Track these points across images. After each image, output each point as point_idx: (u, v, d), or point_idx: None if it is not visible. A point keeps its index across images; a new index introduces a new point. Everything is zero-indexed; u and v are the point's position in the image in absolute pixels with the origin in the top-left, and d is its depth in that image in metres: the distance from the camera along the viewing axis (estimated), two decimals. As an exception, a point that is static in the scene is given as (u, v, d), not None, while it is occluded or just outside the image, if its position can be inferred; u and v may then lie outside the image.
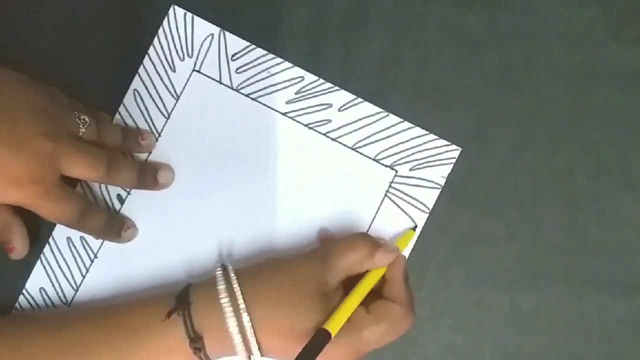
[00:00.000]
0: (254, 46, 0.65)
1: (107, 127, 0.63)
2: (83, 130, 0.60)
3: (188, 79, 0.65)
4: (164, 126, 0.65)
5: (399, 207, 0.64)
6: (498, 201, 0.63)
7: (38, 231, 0.64)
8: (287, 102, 0.65)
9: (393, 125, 0.64)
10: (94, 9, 0.65)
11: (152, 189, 0.64)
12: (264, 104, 0.65)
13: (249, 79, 0.65)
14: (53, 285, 0.64)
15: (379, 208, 0.64)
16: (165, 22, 0.65)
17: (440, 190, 0.63)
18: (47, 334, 0.58)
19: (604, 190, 0.63)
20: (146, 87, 0.65)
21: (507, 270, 0.63)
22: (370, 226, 0.64)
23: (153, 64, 0.65)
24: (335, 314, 0.55)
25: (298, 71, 0.65)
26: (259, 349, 0.56)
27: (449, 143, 0.64)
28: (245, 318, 0.55)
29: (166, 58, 0.65)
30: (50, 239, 0.64)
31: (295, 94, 0.65)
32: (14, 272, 0.64)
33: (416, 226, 0.63)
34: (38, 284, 0.64)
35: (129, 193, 0.65)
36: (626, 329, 0.62)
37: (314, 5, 0.65)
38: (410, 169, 0.64)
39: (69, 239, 0.64)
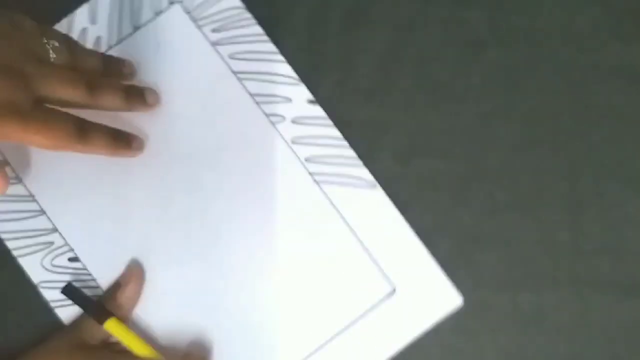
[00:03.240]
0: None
1: (83, 52, 0.60)
2: (54, 56, 0.56)
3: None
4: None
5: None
6: (498, 201, 0.63)
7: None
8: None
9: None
10: None
11: (141, 110, 0.62)
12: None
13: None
14: None
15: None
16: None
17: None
18: None
19: (606, 190, 0.63)
20: None
21: (509, 271, 0.62)
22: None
23: None
24: None
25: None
26: None
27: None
28: None
29: None
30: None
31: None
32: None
33: None
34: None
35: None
36: (629, 330, 0.61)
37: (314, 4, 0.65)
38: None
39: None
